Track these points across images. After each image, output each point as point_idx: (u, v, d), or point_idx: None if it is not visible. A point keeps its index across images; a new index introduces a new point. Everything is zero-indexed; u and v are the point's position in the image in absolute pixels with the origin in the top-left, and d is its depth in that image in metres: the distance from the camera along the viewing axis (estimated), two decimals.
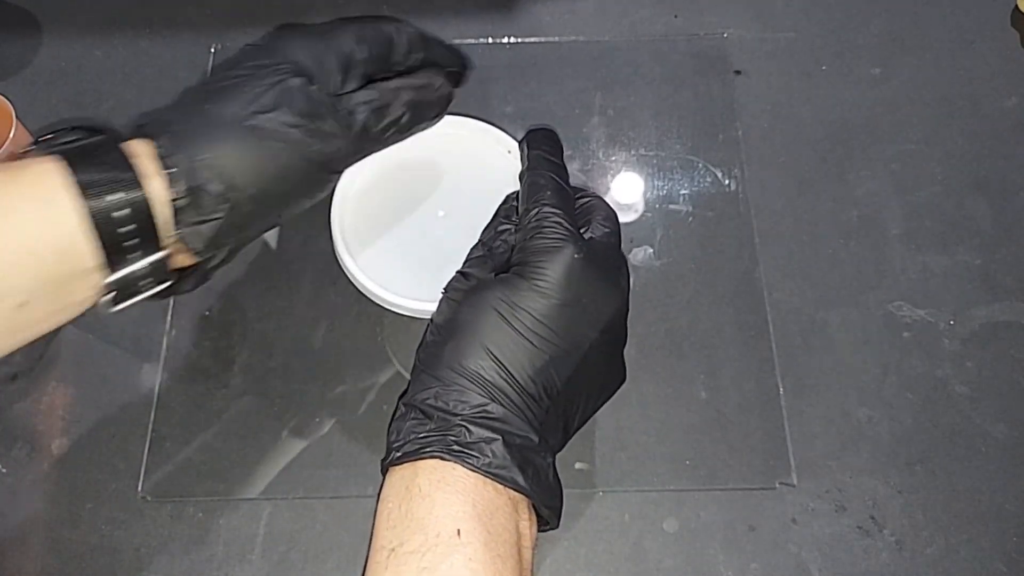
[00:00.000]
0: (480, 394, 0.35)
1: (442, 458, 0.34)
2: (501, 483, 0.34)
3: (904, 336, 0.52)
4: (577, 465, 0.48)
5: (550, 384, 0.36)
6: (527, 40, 0.62)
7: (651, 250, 0.54)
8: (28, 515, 0.48)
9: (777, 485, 0.48)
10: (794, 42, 0.62)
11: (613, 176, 0.57)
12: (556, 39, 0.62)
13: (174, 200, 0.34)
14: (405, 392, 0.38)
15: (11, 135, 0.50)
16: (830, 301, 0.53)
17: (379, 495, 0.36)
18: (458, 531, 0.32)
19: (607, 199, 0.55)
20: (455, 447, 0.34)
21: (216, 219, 0.35)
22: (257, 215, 0.37)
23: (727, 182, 0.57)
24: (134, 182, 0.33)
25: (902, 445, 0.49)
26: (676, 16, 0.63)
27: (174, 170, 0.34)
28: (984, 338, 0.52)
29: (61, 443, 0.49)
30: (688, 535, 0.47)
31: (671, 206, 0.56)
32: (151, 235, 0.34)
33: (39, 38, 0.62)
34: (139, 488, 0.48)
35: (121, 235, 0.33)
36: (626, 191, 0.55)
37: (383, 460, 0.36)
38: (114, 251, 0.34)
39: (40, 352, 0.52)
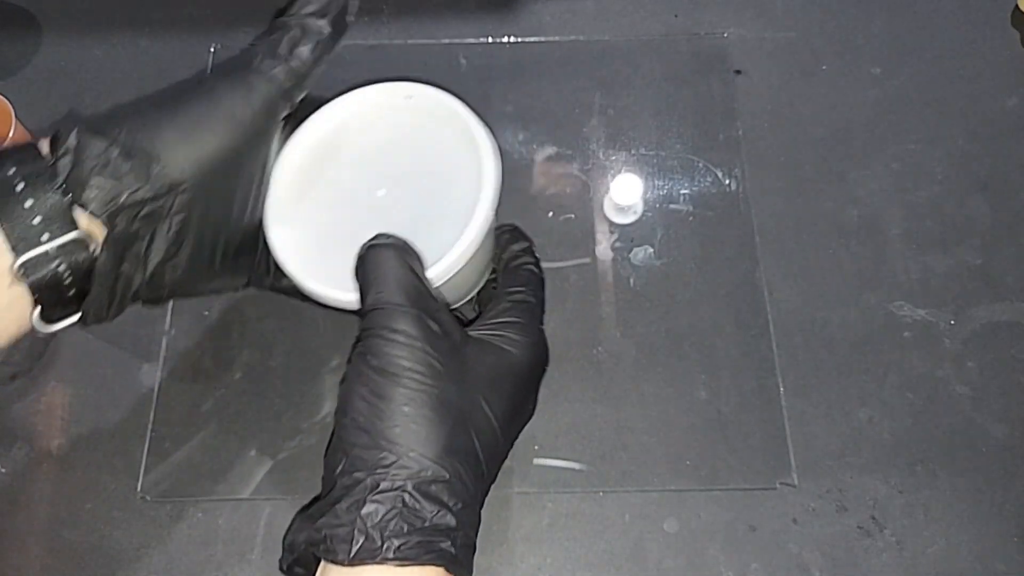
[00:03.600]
0: (464, 491, 0.34)
1: (447, 570, 0.33)
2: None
3: (905, 336, 0.52)
4: (577, 465, 0.48)
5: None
6: (527, 40, 0.62)
7: (651, 250, 0.54)
8: (28, 515, 0.47)
9: (778, 485, 0.48)
10: (794, 42, 0.62)
11: (613, 176, 0.57)
12: (556, 39, 0.62)
13: (56, 157, 0.34)
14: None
15: (11, 135, 0.50)
16: (830, 301, 0.53)
17: None
18: None
19: (607, 199, 0.56)
20: (456, 558, 0.33)
21: (97, 161, 0.34)
22: (154, 165, 0.35)
23: (727, 182, 0.57)
24: (36, 168, 0.33)
25: (903, 445, 0.49)
26: (676, 16, 0.63)
27: (68, 137, 0.34)
28: (985, 338, 0.52)
29: (61, 443, 0.49)
30: (688, 535, 0.47)
31: (671, 206, 0.56)
32: (56, 215, 0.33)
33: (39, 38, 0.62)
34: (139, 488, 0.48)
35: (22, 214, 0.33)
36: (626, 191, 0.55)
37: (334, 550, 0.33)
38: (19, 235, 0.33)
39: (40, 352, 0.52)
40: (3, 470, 0.49)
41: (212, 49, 0.61)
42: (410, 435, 0.33)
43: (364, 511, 0.32)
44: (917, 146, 0.58)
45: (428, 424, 0.34)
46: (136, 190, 0.35)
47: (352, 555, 0.32)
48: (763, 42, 0.62)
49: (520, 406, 0.39)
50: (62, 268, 0.34)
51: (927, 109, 0.59)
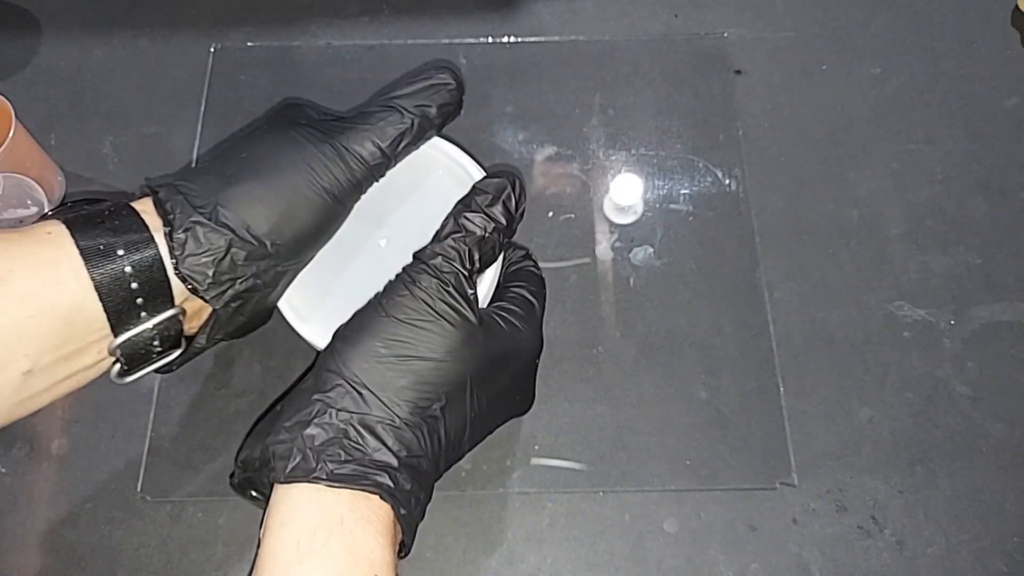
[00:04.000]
0: (414, 433, 0.35)
1: (381, 499, 0.33)
2: (410, 527, 0.34)
3: (904, 336, 0.52)
4: (577, 465, 0.48)
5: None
6: (527, 40, 0.62)
7: (651, 250, 0.54)
8: (28, 515, 0.47)
9: (778, 485, 0.48)
10: (794, 42, 0.62)
11: (613, 176, 0.57)
12: (556, 39, 0.62)
13: (168, 235, 0.34)
14: (309, 376, 0.37)
15: (11, 135, 0.50)
16: (830, 301, 0.53)
17: (272, 510, 0.33)
18: None
19: (607, 199, 0.56)
20: (394, 492, 0.33)
21: (216, 252, 0.34)
22: (263, 249, 0.36)
23: (727, 182, 0.57)
24: (138, 240, 0.33)
25: (903, 445, 0.49)
26: (676, 16, 0.63)
27: (172, 216, 0.34)
28: (985, 338, 0.52)
29: (61, 443, 0.49)
30: (688, 535, 0.47)
31: (671, 206, 0.56)
32: (157, 292, 0.34)
33: (39, 38, 0.62)
34: (139, 488, 0.48)
35: (126, 295, 0.33)
36: (626, 191, 0.55)
37: (268, 463, 0.34)
38: (120, 311, 0.33)
39: None
40: (3, 470, 0.49)
41: (212, 49, 0.61)
42: (372, 373, 0.34)
43: (306, 432, 0.33)
44: (917, 146, 0.58)
45: (396, 370, 0.34)
46: (240, 270, 0.35)
47: (287, 471, 0.32)
48: (763, 42, 0.62)
49: (507, 392, 0.40)
50: (156, 342, 0.36)
51: (927, 109, 0.59)
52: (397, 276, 0.38)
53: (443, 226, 0.39)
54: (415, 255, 0.38)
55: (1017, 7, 0.63)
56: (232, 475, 0.37)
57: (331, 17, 0.63)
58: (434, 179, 0.44)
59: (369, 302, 0.38)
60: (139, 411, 0.50)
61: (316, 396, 0.34)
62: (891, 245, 0.55)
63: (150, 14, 0.63)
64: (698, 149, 0.58)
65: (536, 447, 0.49)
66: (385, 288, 0.38)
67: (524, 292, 0.42)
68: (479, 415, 0.38)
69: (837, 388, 0.51)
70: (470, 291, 0.37)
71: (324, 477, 0.32)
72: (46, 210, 0.49)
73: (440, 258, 0.37)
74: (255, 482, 0.36)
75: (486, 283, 0.41)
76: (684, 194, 0.56)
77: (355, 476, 0.33)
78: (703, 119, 0.59)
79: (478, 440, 0.39)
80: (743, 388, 0.50)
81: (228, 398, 0.50)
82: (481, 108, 0.59)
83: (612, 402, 0.50)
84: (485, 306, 0.41)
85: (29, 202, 0.52)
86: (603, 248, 0.54)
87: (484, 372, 0.37)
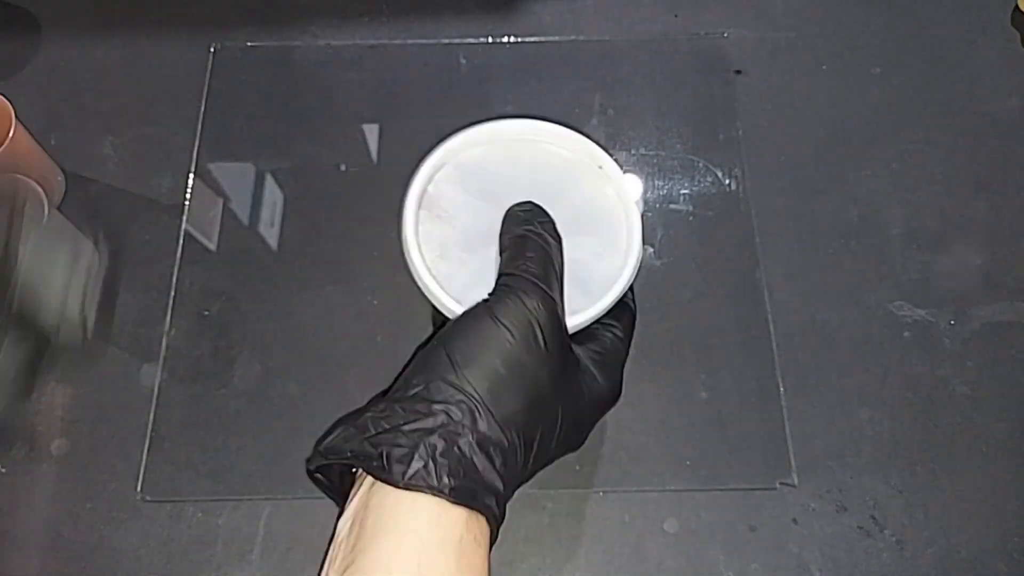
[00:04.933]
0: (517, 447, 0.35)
1: (487, 522, 0.33)
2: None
3: (904, 336, 0.52)
4: (577, 465, 0.48)
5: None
6: (527, 40, 0.62)
7: (651, 250, 0.54)
8: (28, 515, 0.47)
9: (778, 485, 0.48)
10: (794, 42, 0.62)
11: None
12: (556, 39, 0.62)
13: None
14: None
15: (11, 135, 0.50)
16: (830, 301, 0.53)
17: (383, 512, 0.32)
18: None
19: None
20: (497, 516, 0.34)
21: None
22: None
23: (727, 182, 0.57)
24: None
25: (903, 445, 0.49)
26: (676, 16, 0.63)
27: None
28: (985, 338, 0.52)
29: (61, 443, 0.49)
30: (688, 535, 0.47)
31: (671, 206, 0.56)
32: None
33: (39, 38, 0.62)
34: (138, 488, 0.48)
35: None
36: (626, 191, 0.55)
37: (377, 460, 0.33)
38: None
39: (40, 352, 0.52)
40: (3, 470, 0.49)
41: (212, 49, 0.61)
42: (493, 394, 0.34)
43: (430, 440, 0.33)
44: (917, 146, 0.58)
45: (513, 393, 0.34)
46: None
47: (407, 477, 0.32)
48: (763, 42, 0.62)
49: (578, 430, 0.40)
50: None
51: (927, 109, 0.59)
52: (505, 286, 0.37)
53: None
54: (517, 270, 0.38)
55: (1017, 7, 0.63)
56: (309, 459, 0.37)
57: (331, 17, 0.63)
58: (604, 197, 0.44)
59: (479, 304, 0.37)
60: (139, 411, 0.50)
61: (438, 407, 0.34)
62: (891, 245, 0.55)
63: (150, 14, 0.63)
64: (698, 149, 0.58)
65: None
66: (496, 293, 0.37)
67: (616, 336, 0.42)
68: (555, 449, 0.38)
69: (837, 388, 0.51)
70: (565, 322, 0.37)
71: (447, 493, 0.32)
72: (46, 210, 0.49)
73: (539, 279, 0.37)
74: (328, 471, 0.36)
75: (583, 317, 0.40)
76: (684, 194, 0.56)
77: (471, 494, 0.33)
78: (703, 119, 0.59)
79: (540, 471, 0.39)
80: (743, 388, 0.50)
81: (228, 398, 0.50)
82: (481, 108, 0.59)
83: None
84: (575, 328, 0.40)
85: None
86: None
87: (572, 409, 0.37)
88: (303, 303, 0.53)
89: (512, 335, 0.35)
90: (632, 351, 0.51)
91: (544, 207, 0.41)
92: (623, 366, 0.42)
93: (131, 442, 0.49)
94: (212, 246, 0.55)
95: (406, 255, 0.40)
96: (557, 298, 0.37)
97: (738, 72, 0.61)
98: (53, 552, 0.47)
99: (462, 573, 0.31)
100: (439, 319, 0.40)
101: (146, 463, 0.48)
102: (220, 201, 0.56)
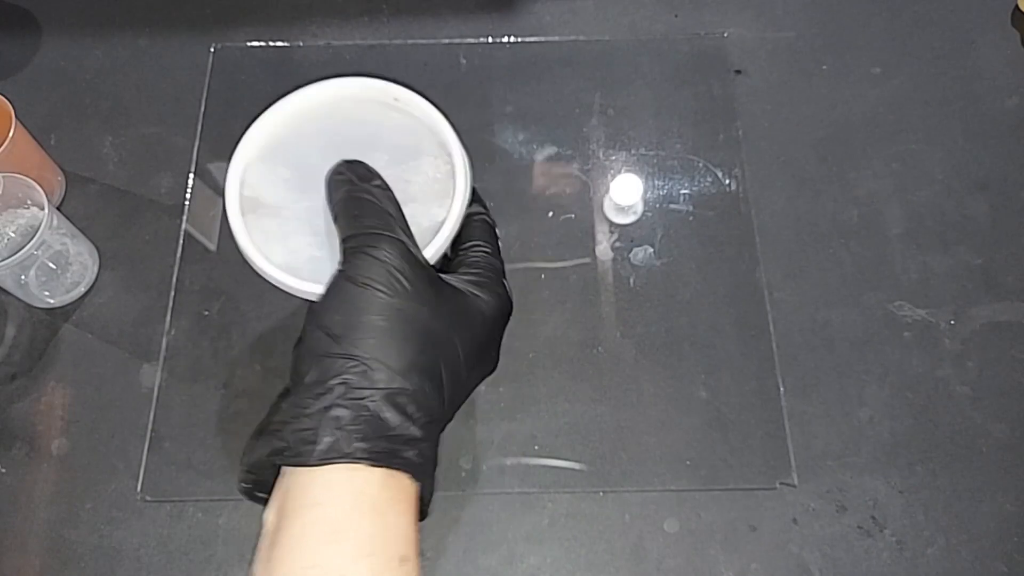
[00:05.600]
0: (432, 403, 0.35)
1: (412, 477, 0.34)
2: (427, 498, 0.35)
3: (904, 336, 0.52)
4: (577, 465, 0.48)
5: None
6: (527, 40, 0.62)
7: (651, 250, 0.54)
8: (28, 515, 0.47)
9: (778, 485, 0.48)
10: (794, 42, 0.62)
11: (613, 176, 0.57)
12: (556, 39, 0.62)
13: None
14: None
15: (11, 135, 0.50)
16: (830, 301, 0.53)
17: (295, 491, 0.33)
18: (402, 557, 0.32)
19: (607, 199, 0.56)
20: (419, 468, 0.34)
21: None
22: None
23: (727, 182, 0.57)
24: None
25: (903, 445, 0.49)
26: (676, 16, 0.63)
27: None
28: (984, 338, 0.52)
29: (60, 443, 0.49)
30: (688, 535, 0.47)
31: (671, 206, 0.56)
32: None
33: (39, 38, 0.62)
34: (138, 488, 0.48)
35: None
36: (626, 191, 0.55)
37: (288, 447, 0.34)
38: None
39: (40, 352, 0.52)
40: (3, 470, 0.49)
41: (212, 49, 0.61)
42: (381, 347, 0.34)
43: (332, 414, 0.33)
44: (917, 146, 0.58)
45: (400, 339, 0.35)
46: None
47: (318, 455, 0.32)
48: (763, 42, 0.62)
49: (484, 352, 0.40)
50: None
51: (927, 109, 0.59)
52: (351, 249, 0.37)
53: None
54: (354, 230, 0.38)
55: (1017, 7, 0.63)
56: (241, 481, 0.37)
57: (331, 17, 0.63)
58: (415, 138, 0.43)
59: (335, 276, 0.37)
60: (139, 411, 0.50)
61: (333, 381, 0.34)
62: (891, 245, 0.55)
63: (150, 14, 0.63)
64: (698, 149, 0.58)
65: (536, 447, 0.49)
66: (345, 259, 0.37)
67: (484, 253, 0.42)
68: (467, 378, 0.38)
69: (837, 388, 0.51)
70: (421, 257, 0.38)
71: (362, 457, 0.32)
72: (45, 210, 0.49)
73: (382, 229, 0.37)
74: (264, 485, 0.36)
75: (438, 242, 0.40)
76: (684, 194, 0.56)
77: (387, 454, 0.33)
78: (703, 119, 0.59)
79: (461, 404, 0.40)
80: (743, 388, 0.50)
81: (228, 398, 0.50)
82: (481, 108, 0.59)
83: (612, 402, 0.50)
84: (435, 257, 0.40)
85: (29, 202, 0.52)
86: (603, 248, 0.54)
87: (468, 334, 0.38)
88: (302, 303, 0.53)
89: (376, 289, 0.35)
90: (632, 351, 0.51)
91: (357, 158, 0.41)
92: (504, 277, 0.42)
93: (131, 442, 0.49)
94: (212, 246, 0.55)
95: (251, 263, 0.40)
96: (403, 238, 0.37)
97: (738, 72, 0.61)
98: (53, 552, 0.47)
99: (378, 534, 0.32)
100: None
101: (146, 463, 0.48)
102: (220, 201, 0.56)
